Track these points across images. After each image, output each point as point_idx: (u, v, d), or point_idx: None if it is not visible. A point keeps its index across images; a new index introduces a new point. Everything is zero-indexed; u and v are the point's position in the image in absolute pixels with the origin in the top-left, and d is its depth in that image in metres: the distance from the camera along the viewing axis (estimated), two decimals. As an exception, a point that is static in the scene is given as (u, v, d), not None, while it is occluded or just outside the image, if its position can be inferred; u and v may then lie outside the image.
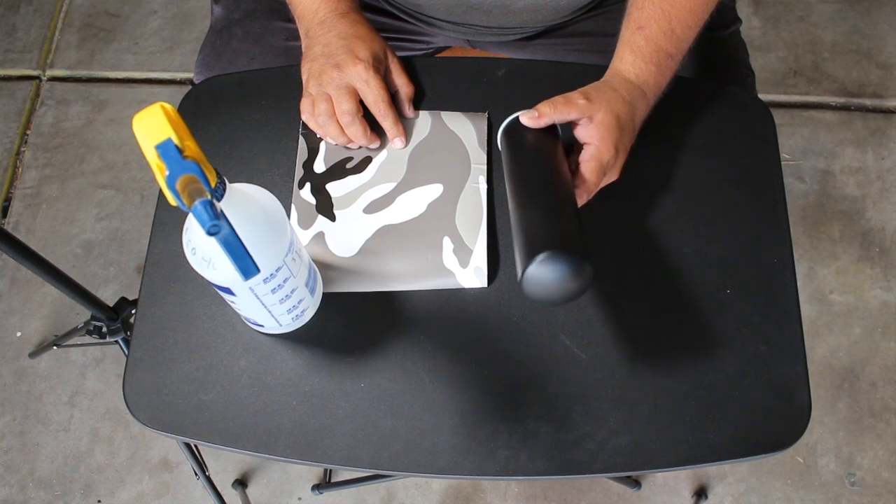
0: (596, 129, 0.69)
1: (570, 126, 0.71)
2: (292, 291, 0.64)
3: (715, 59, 0.90)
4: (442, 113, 0.80)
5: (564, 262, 0.58)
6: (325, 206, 0.76)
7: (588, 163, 0.68)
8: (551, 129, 0.71)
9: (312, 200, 0.77)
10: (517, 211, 0.65)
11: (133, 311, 1.16)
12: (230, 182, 0.54)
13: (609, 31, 0.91)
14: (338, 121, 0.76)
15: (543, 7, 0.85)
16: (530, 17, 0.87)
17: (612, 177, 0.71)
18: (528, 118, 0.69)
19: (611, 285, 0.72)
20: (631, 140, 0.72)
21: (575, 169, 0.69)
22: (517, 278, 0.60)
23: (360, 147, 0.79)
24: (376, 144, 0.78)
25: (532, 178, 0.67)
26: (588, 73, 0.84)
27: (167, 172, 0.46)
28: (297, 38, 0.87)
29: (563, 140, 0.71)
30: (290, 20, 0.92)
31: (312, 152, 0.79)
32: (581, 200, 0.68)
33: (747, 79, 0.92)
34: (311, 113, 0.77)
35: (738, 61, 0.93)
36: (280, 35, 0.92)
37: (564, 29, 0.93)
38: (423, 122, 0.80)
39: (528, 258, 0.59)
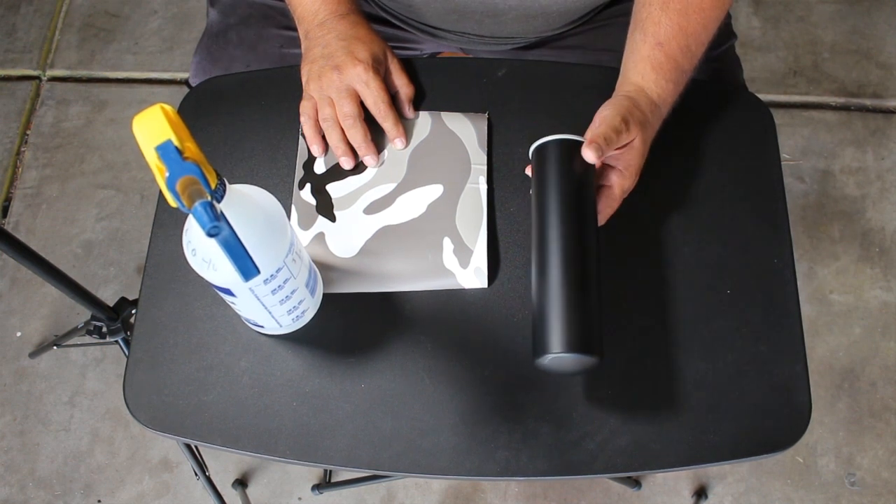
0: (625, 154, 0.69)
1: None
2: (292, 292, 0.64)
3: (709, 78, 0.89)
4: (442, 113, 0.81)
5: (574, 358, 0.63)
6: (326, 207, 0.76)
7: (614, 188, 0.69)
8: (586, 165, 0.69)
9: (312, 201, 0.77)
10: (539, 278, 0.65)
11: (133, 311, 1.16)
12: (230, 183, 0.54)
13: (601, 45, 0.90)
14: (341, 126, 0.76)
15: (535, 16, 0.85)
16: (521, 27, 0.87)
17: (626, 195, 0.72)
18: (593, 156, 0.65)
19: (611, 285, 0.72)
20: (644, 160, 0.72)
21: (599, 190, 0.69)
22: (532, 356, 0.64)
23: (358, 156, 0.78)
24: (374, 161, 0.77)
25: (561, 230, 0.66)
26: (589, 74, 0.84)
27: (167, 174, 0.46)
28: (292, 45, 0.87)
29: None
30: (285, 27, 0.92)
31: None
32: (600, 221, 0.69)
33: None
34: (311, 115, 0.77)
35: (732, 79, 0.92)
36: (275, 42, 0.92)
37: (557, 41, 0.92)
38: (423, 122, 0.80)
39: (541, 351, 0.63)
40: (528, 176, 0.73)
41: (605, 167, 0.70)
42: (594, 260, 0.66)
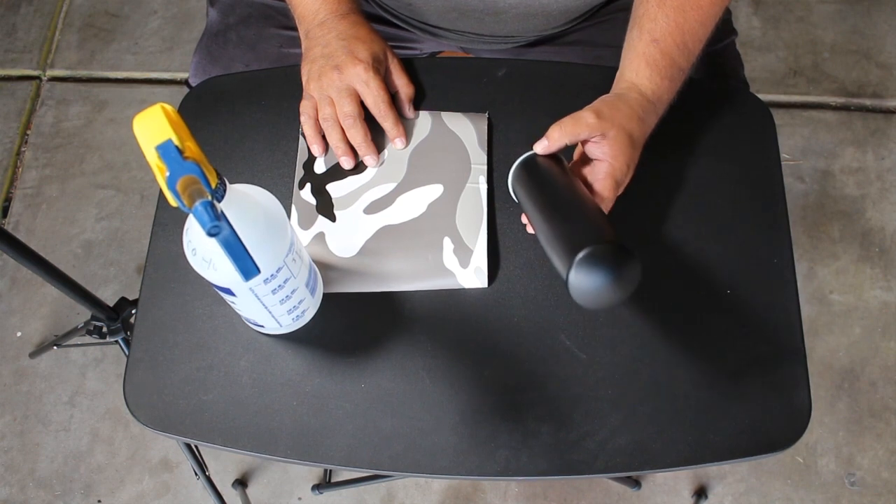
0: (609, 146, 0.67)
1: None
2: (293, 292, 0.64)
3: (709, 73, 0.89)
4: (442, 113, 0.81)
5: (610, 255, 0.55)
6: (326, 207, 0.76)
7: (604, 180, 0.68)
8: (558, 160, 0.70)
9: (313, 201, 0.77)
10: (547, 222, 0.63)
11: (133, 311, 1.16)
12: (230, 183, 0.54)
13: (601, 41, 0.90)
14: (341, 125, 0.76)
15: (535, 14, 0.85)
16: (522, 25, 0.87)
17: (619, 192, 0.71)
18: (540, 147, 0.68)
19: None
20: (638, 156, 0.71)
21: (590, 186, 0.68)
22: (564, 282, 0.56)
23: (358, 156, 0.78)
24: (374, 161, 0.77)
25: (555, 196, 0.66)
26: (589, 73, 0.84)
27: (168, 173, 0.46)
28: (292, 45, 0.87)
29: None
30: (285, 27, 0.92)
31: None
32: None
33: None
34: (311, 115, 0.77)
35: (733, 74, 0.92)
36: (274, 42, 0.92)
37: (557, 39, 0.92)
38: (424, 122, 0.80)
39: (571, 255, 0.55)
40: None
41: (593, 162, 0.70)
42: (590, 196, 0.65)
